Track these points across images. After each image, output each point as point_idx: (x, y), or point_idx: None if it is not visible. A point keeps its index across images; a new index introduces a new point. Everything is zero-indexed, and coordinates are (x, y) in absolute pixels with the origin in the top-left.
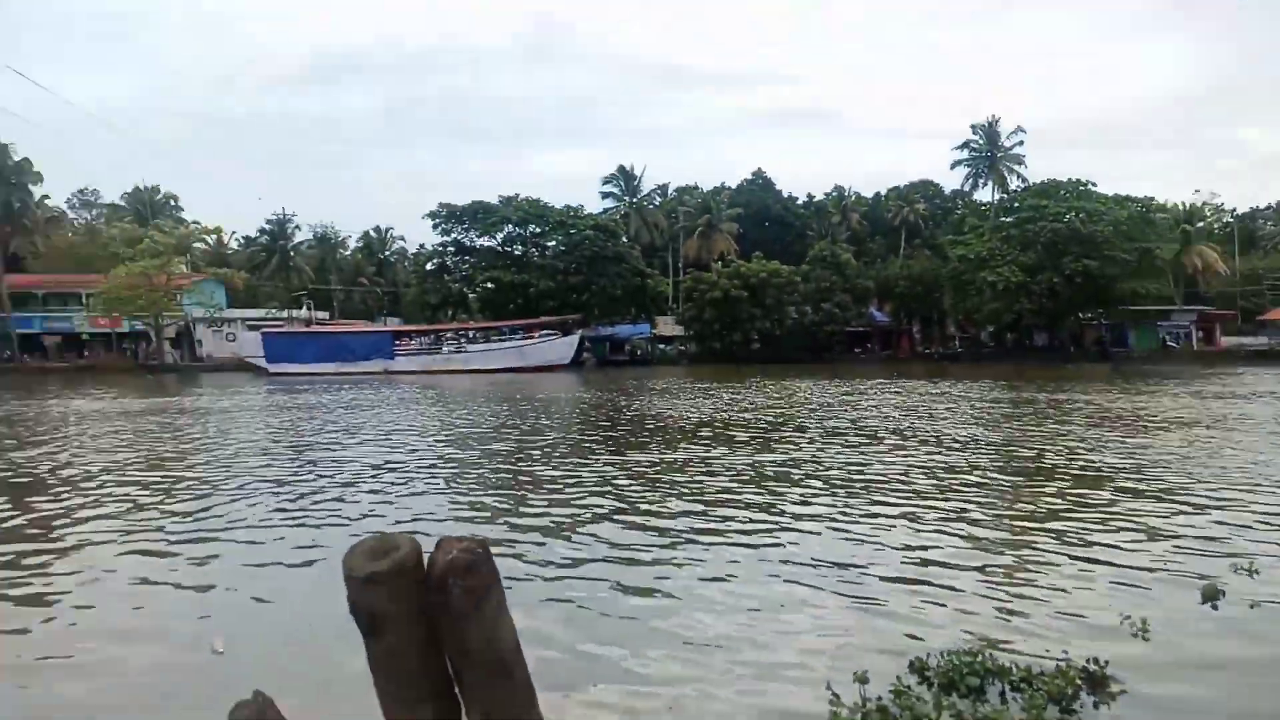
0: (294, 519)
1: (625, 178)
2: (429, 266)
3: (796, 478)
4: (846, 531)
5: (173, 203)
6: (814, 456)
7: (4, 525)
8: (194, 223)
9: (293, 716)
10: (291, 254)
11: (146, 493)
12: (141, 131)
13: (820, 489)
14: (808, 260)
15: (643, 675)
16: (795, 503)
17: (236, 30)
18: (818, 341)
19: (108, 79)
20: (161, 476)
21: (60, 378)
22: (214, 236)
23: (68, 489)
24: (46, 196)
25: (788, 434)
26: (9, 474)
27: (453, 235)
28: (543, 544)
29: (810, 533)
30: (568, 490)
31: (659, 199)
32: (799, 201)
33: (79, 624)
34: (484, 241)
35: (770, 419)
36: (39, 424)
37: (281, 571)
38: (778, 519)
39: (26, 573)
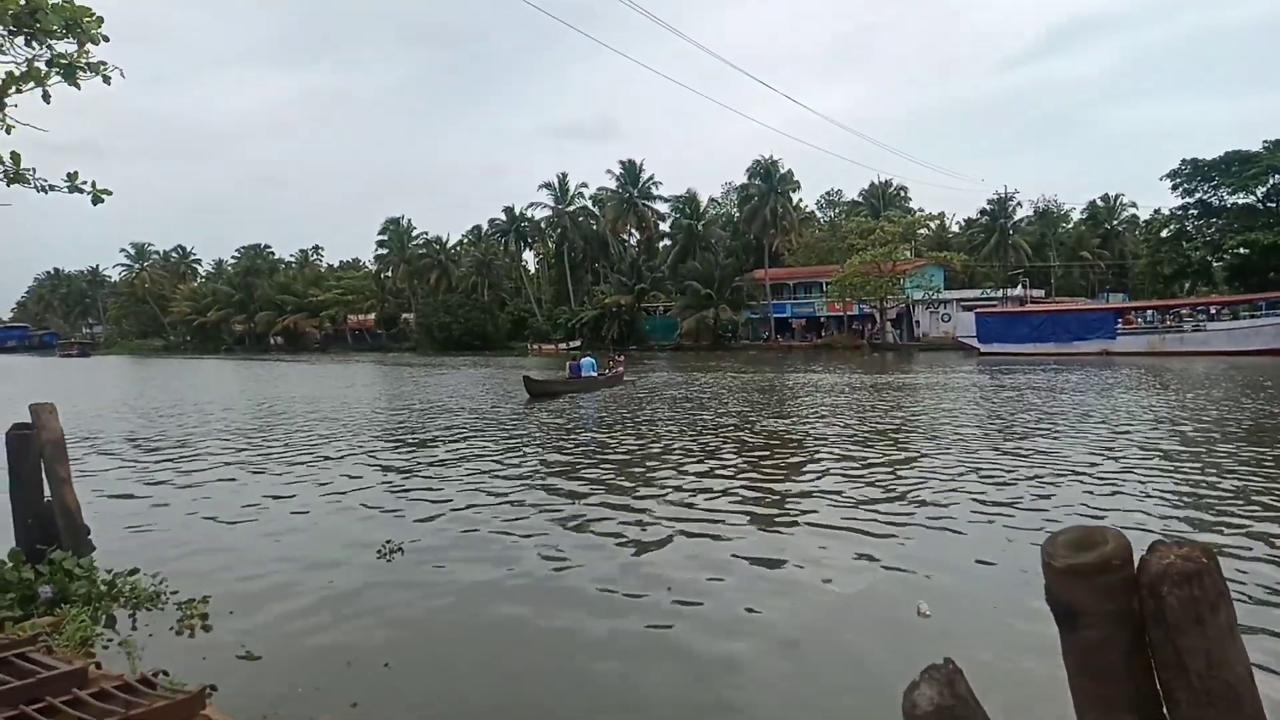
0: (993, 505)
1: None
2: (1164, 233)
3: None
4: None
5: (902, 194)
6: None
7: (751, 476)
8: (919, 210)
9: (981, 693)
10: (1010, 232)
11: (854, 463)
12: (877, 131)
13: None
14: None
15: None
16: None
17: (962, 25)
18: None
19: (844, 89)
20: (871, 447)
21: (801, 354)
22: (936, 223)
23: (798, 447)
24: (801, 200)
25: None
26: (760, 435)
27: (1196, 195)
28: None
29: None
30: None
31: None
32: None
33: (802, 569)
34: (1238, 199)
35: None
36: (783, 392)
37: (974, 554)
38: None
39: (761, 527)
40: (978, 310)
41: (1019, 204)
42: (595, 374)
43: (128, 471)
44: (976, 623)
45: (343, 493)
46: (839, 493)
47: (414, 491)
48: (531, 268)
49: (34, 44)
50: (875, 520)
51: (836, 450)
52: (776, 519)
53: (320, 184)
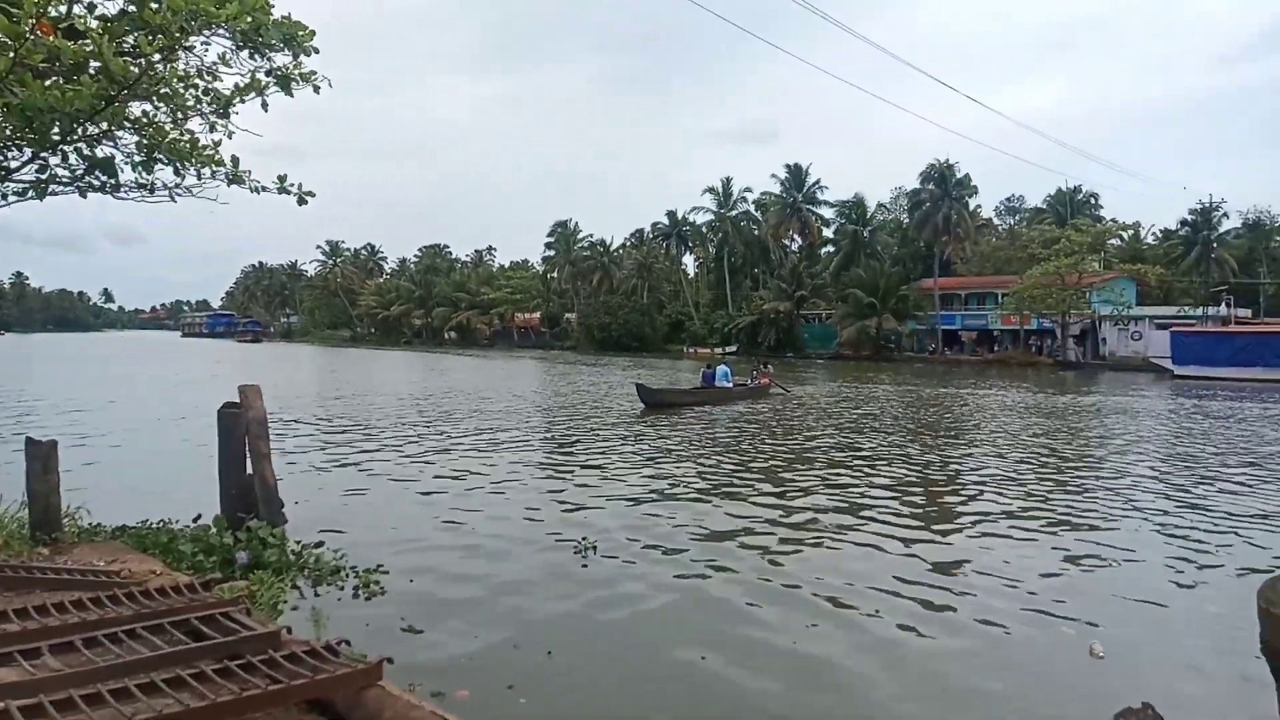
0: (1184, 545)
1: None
2: None
3: None
4: None
5: (1092, 201)
6: None
7: (908, 501)
8: (1110, 220)
9: None
10: (1214, 245)
11: (1031, 492)
12: (1068, 134)
13: None
14: None
15: None
16: None
17: (1181, 17)
18: None
19: (1034, 90)
20: (1051, 476)
21: (970, 369)
22: (1129, 232)
23: (967, 473)
24: (979, 206)
25: None
26: (922, 460)
27: None
28: None
29: None
30: None
31: None
32: None
33: (964, 603)
34: None
35: None
36: (952, 411)
37: (1156, 594)
38: None
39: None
40: (1174, 329)
41: (1225, 215)
42: (730, 384)
43: (316, 450)
44: (1158, 667)
45: (506, 482)
46: (1012, 526)
47: (569, 489)
48: (691, 271)
49: (256, 57)
50: (1050, 555)
51: (1012, 478)
52: (936, 551)
53: (497, 187)
